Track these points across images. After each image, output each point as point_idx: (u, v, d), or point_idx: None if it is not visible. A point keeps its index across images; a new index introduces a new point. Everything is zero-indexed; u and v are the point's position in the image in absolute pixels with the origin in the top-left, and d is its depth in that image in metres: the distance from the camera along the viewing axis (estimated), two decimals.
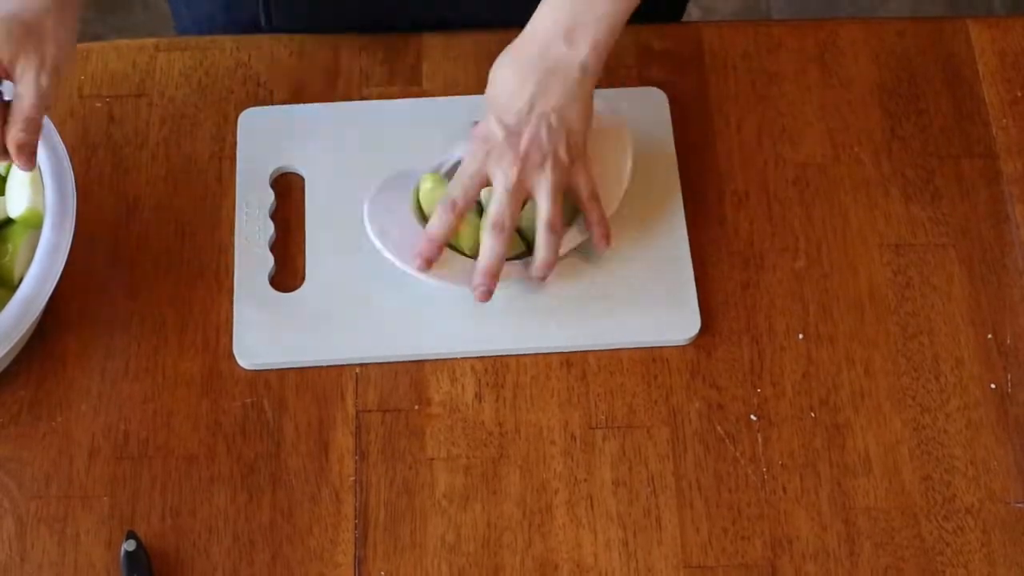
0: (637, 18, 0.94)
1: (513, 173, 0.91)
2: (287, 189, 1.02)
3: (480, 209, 0.96)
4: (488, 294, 0.93)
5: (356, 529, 0.91)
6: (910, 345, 0.97)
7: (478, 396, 0.95)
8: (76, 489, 0.91)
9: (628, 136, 1.00)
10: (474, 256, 0.94)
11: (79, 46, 1.05)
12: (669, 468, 0.93)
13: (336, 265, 0.98)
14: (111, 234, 1.00)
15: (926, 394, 0.95)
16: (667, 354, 0.96)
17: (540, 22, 0.93)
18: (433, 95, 1.05)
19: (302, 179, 1.02)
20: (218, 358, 0.95)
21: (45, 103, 0.86)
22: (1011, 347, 0.97)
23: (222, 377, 0.95)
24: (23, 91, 0.86)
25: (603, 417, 0.94)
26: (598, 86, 0.94)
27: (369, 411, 0.94)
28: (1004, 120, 1.05)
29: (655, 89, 1.05)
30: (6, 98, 0.86)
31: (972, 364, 0.96)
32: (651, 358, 0.96)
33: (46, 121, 0.94)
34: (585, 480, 0.92)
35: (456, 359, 0.96)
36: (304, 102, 1.05)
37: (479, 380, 0.95)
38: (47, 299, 0.90)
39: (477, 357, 0.96)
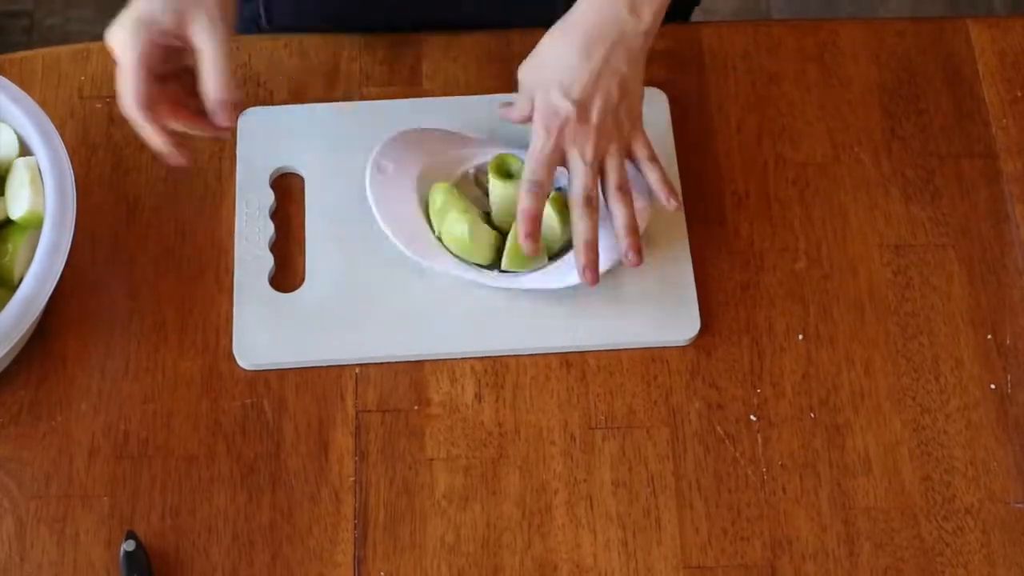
0: None
1: (590, 148, 0.91)
2: (287, 189, 1.02)
3: (466, 207, 0.96)
4: (596, 271, 0.93)
5: (356, 529, 0.91)
6: (910, 345, 0.97)
7: (478, 396, 0.95)
8: (76, 489, 0.91)
9: None
10: (464, 257, 0.95)
11: (79, 46, 1.06)
12: (669, 468, 0.93)
13: (336, 265, 0.98)
14: (111, 234, 1.00)
15: (926, 394, 0.95)
16: (667, 354, 0.96)
17: None
18: (433, 95, 1.05)
19: (302, 179, 1.02)
20: (218, 358, 0.95)
21: (227, 51, 0.88)
22: (1011, 347, 0.97)
23: (222, 377, 0.95)
24: (202, 46, 0.87)
25: (603, 417, 0.94)
26: None
27: (369, 411, 0.94)
28: (1004, 120, 1.05)
29: (655, 89, 1.04)
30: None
31: (972, 364, 0.96)
32: (651, 358, 0.96)
33: (46, 121, 0.94)
34: (585, 480, 0.92)
35: (456, 359, 0.96)
36: (304, 102, 1.05)
37: (479, 380, 0.95)
38: (47, 299, 0.90)
39: (477, 357, 0.96)
